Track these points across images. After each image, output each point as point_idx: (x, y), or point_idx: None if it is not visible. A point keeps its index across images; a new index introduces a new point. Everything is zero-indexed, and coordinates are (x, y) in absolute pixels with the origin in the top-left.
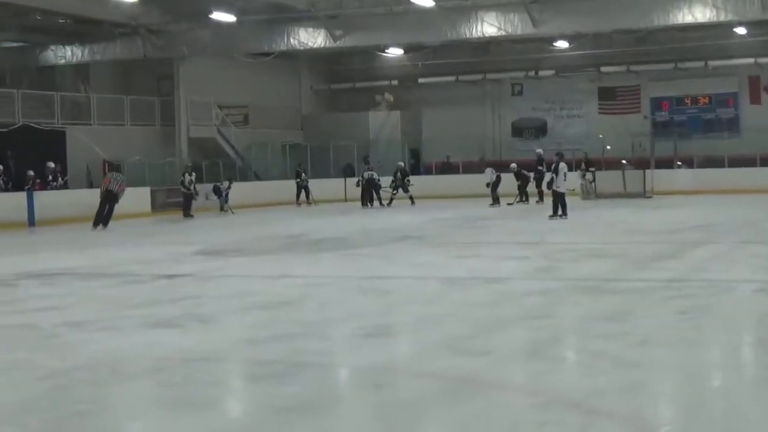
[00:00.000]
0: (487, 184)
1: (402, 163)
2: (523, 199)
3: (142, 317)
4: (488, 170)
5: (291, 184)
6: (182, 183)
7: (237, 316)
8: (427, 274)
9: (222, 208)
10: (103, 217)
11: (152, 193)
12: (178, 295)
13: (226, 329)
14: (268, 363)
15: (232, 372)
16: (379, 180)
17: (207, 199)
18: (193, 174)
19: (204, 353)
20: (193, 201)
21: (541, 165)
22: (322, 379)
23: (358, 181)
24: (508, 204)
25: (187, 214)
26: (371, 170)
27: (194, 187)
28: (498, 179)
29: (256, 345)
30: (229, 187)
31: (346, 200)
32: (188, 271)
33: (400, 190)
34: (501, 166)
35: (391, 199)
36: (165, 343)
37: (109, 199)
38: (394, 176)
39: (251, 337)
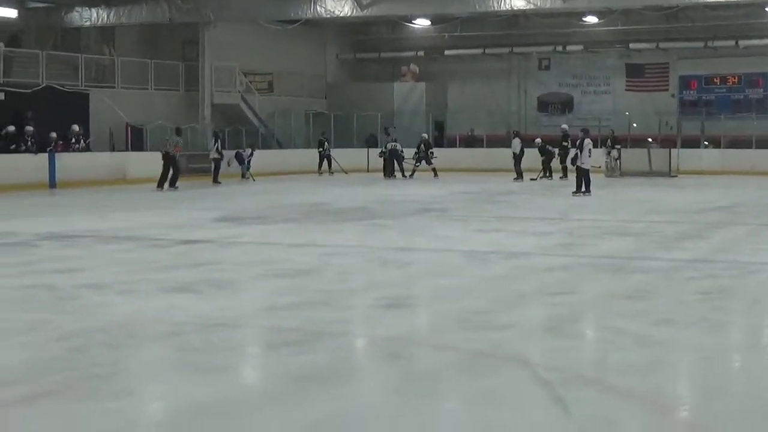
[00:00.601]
0: (514, 155)
1: (426, 135)
2: (547, 174)
3: (161, 281)
4: (516, 140)
5: (314, 153)
6: (216, 149)
7: (256, 283)
8: (447, 246)
9: (243, 176)
10: (166, 178)
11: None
12: (198, 260)
13: (244, 296)
14: (286, 331)
15: (250, 339)
16: (402, 151)
17: (228, 165)
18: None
19: (222, 319)
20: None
21: (566, 141)
22: (340, 348)
23: (381, 152)
24: (532, 179)
25: (215, 180)
26: (395, 141)
27: (221, 153)
28: (522, 152)
29: (274, 312)
30: (251, 155)
31: (368, 170)
32: (208, 237)
33: (423, 162)
34: (525, 141)
35: (414, 171)
36: (183, 307)
37: (167, 161)
38: (418, 148)
39: (270, 304)
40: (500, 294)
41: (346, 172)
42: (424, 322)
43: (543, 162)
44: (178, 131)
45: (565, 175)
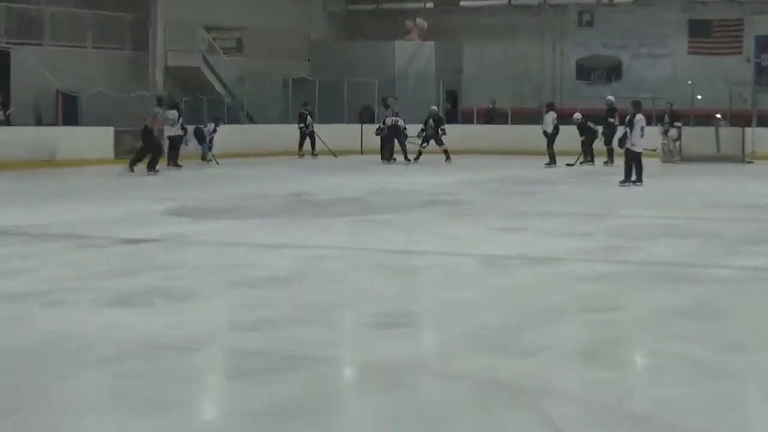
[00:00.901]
0: (545, 133)
1: (435, 108)
2: (588, 159)
3: (97, 292)
4: (549, 115)
5: (293, 130)
6: (180, 123)
7: (219, 295)
8: (460, 250)
9: (204, 157)
10: (140, 158)
11: (116, 134)
12: (145, 265)
13: (204, 310)
14: (256, 354)
15: (210, 364)
16: (405, 128)
17: (186, 145)
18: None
19: (175, 339)
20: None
21: (613, 116)
22: (323, 377)
23: (379, 128)
24: (568, 165)
25: (175, 162)
26: (396, 115)
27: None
28: (556, 130)
29: (241, 331)
30: (214, 131)
31: (362, 152)
32: (158, 235)
33: (432, 141)
34: (561, 116)
35: (420, 153)
36: (126, 324)
37: (143, 136)
38: (425, 124)
39: (236, 320)
40: (525, 310)
41: (334, 155)
42: (429, 345)
43: (583, 143)
44: (159, 101)
45: (610, 160)
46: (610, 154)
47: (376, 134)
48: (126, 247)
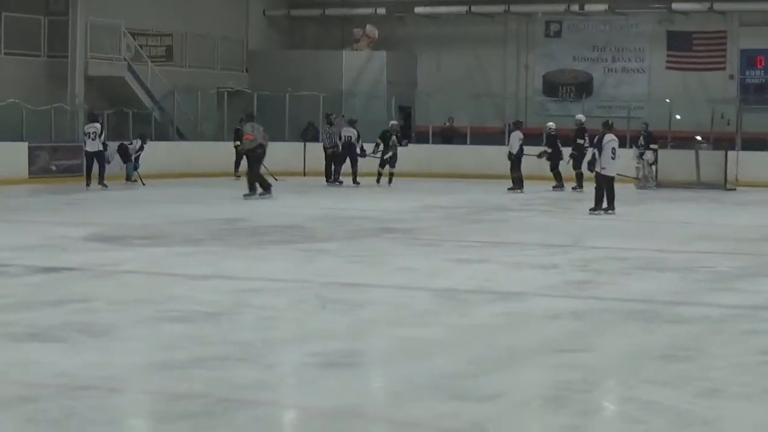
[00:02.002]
0: (510, 155)
1: (396, 122)
2: (559, 183)
3: (8, 325)
4: (515, 135)
5: (229, 148)
6: (102, 138)
7: (143, 330)
8: (414, 283)
9: (129, 177)
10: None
11: (31, 151)
12: (61, 296)
13: (127, 347)
14: (185, 398)
15: (134, 408)
16: (362, 145)
17: (108, 162)
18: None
19: (94, 379)
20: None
21: (582, 137)
22: (260, 423)
23: (331, 144)
24: (555, 188)
25: (101, 182)
26: (352, 125)
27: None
28: (521, 152)
29: (169, 371)
30: (141, 148)
31: (304, 174)
32: (77, 263)
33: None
34: (529, 137)
35: (383, 175)
36: (40, 362)
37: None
38: (387, 141)
39: (163, 359)
40: (486, 351)
41: (274, 177)
42: (379, 389)
43: (550, 158)
44: (242, 119)
45: (579, 185)
46: (579, 178)
47: (328, 150)
48: (42, 276)
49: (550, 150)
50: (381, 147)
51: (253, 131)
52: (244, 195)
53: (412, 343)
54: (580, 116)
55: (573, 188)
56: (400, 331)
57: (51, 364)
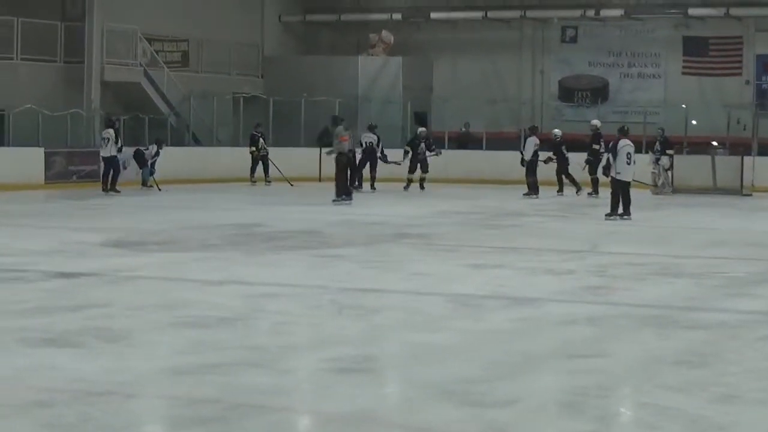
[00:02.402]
0: (523, 160)
1: (425, 129)
2: (558, 190)
3: (25, 330)
4: (531, 140)
5: (244, 154)
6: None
7: (159, 335)
8: (429, 288)
9: (145, 183)
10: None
11: (47, 156)
12: (79, 301)
13: (142, 352)
14: (200, 403)
15: (149, 413)
16: (382, 150)
17: (125, 168)
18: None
19: (110, 385)
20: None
21: (598, 143)
22: (274, 428)
23: (349, 150)
24: (578, 193)
25: (113, 187)
26: (372, 131)
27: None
28: (536, 157)
29: (183, 376)
30: (157, 154)
31: (320, 179)
32: (94, 268)
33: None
34: (545, 142)
35: (409, 182)
36: (56, 367)
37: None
38: (415, 148)
39: (177, 365)
40: (500, 356)
41: (290, 182)
42: (394, 394)
43: (556, 168)
44: (335, 120)
45: (595, 191)
46: (595, 184)
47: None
48: (58, 281)
49: (554, 156)
50: (410, 154)
51: (346, 133)
52: (333, 200)
53: (426, 348)
54: (596, 122)
55: (589, 194)
56: (415, 336)
57: (67, 369)
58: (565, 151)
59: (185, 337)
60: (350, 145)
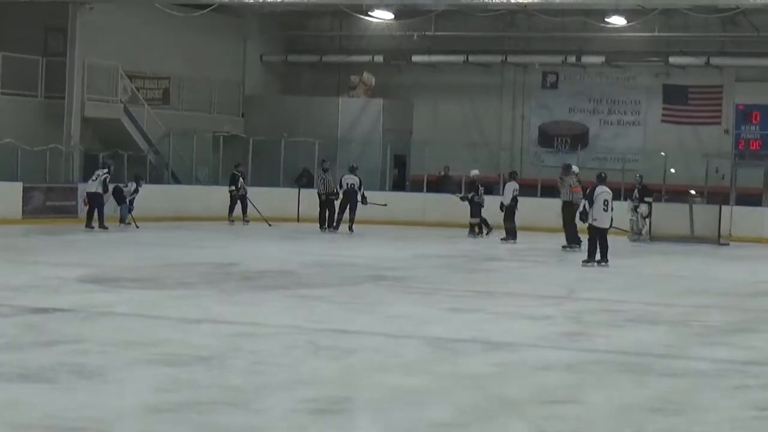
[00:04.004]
0: (501, 205)
1: (478, 172)
2: (476, 231)
3: None
4: (510, 185)
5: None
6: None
7: (134, 373)
8: (405, 331)
9: (123, 220)
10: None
11: (25, 191)
12: (52, 337)
13: (117, 390)
14: None
15: None
16: (363, 193)
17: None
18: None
19: (84, 421)
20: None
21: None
22: None
23: (327, 190)
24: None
25: (101, 224)
26: (354, 174)
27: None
28: (515, 202)
29: (158, 414)
30: (136, 191)
31: (298, 220)
32: (68, 304)
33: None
34: (524, 188)
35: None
36: (29, 403)
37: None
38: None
39: (152, 402)
40: (476, 401)
41: (268, 222)
42: None
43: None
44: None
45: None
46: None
47: (322, 199)
48: (32, 316)
49: (469, 196)
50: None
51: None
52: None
53: (401, 391)
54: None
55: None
56: (390, 378)
57: (41, 405)
58: (481, 193)
59: (160, 375)
60: (327, 188)
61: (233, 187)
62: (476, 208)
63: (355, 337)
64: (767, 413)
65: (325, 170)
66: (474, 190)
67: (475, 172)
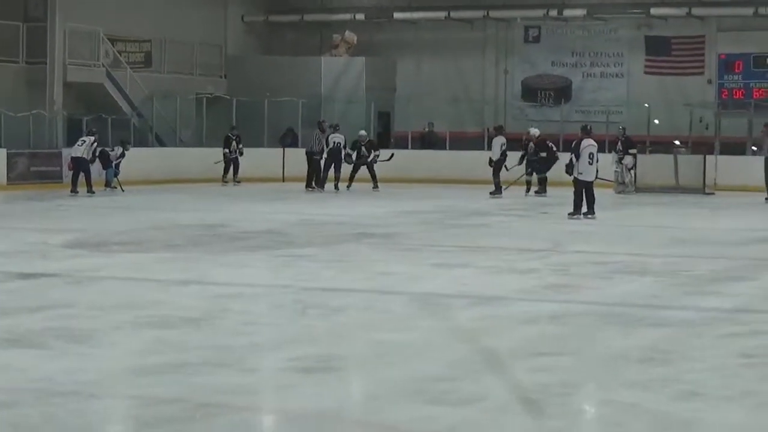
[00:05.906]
0: (490, 160)
1: (365, 133)
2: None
3: None
4: (498, 140)
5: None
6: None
7: (122, 335)
8: (392, 287)
9: (108, 184)
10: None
11: (9, 157)
12: (40, 302)
13: (106, 353)
14: (164, 402)
15: (113, 413)
16: (347, 152)
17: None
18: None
19: (73, 385)
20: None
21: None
22: (239, 427)
23: (318, 149)
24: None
25: (89, 189)
26: (335, 131)
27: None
28: (504, 157)
29: (147, 376)
30: (122, 155)
31: (284, 179)
32: (56, 269)
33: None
34: (511, 141)
35: (352, 180)
36: (18, 367)
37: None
38: (357, 150)
39: (141, 364)
40: (464, 355)
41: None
42: (357, 393)
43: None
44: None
45: (543, 190)
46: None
47: (315, 156)
48: (19, 282)
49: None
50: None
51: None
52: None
53: (390, 347)
54: (535, 130)
55: (536, 192)
56: (379, 335)
57: (30, 369)
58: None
59: (149, 337)
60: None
61: (227, 150)
62: (547, 164)
63: (343, 295)
64: (755, 360)
65: (322, 130)
66: (545, 149)
67: (535, 131)
